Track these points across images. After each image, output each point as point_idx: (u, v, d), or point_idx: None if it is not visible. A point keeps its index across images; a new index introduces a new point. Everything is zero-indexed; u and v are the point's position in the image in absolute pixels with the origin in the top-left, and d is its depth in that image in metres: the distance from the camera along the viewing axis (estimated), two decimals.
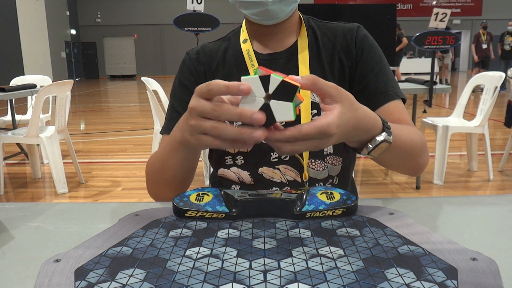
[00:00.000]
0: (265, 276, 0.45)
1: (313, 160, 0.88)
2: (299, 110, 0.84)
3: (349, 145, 0.67)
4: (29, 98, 3.96)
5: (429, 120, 3.39)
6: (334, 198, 0.64)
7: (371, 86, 0.86)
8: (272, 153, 0.88)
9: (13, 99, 3.62)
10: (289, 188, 0.88)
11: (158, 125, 3.27)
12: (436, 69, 10.62)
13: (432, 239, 0.54)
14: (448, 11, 3.40)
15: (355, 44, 0.89)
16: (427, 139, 0.91)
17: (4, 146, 3.36)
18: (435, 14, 3.39)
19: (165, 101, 3.24)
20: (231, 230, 0.58)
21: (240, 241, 0.54)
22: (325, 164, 0.89)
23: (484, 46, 10.29)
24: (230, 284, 0.44)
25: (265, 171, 0.88)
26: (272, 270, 0.47)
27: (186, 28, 4.02)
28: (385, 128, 0.65)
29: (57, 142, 3.10)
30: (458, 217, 0.64)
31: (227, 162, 0.91)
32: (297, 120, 0.85)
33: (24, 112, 4.14)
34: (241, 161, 0.90)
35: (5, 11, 13.42)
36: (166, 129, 0.88)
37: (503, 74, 3.11)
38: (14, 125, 3.67)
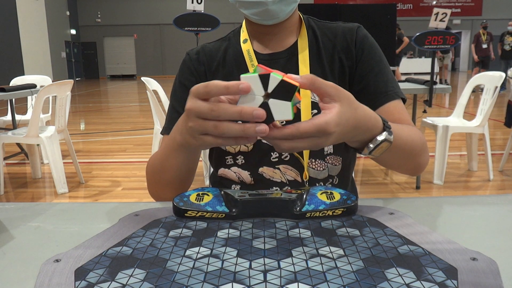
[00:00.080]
0: (265, 276, 0.45)
1: (313, 160, 0.88)
2: (297, 108, 0.84)
3: (350, 145, 0.67)
4: (29, 98, 3.96)
5: (429, 120, 3.39)
6: (334, 198, 0.64)
7: (371, 86, 0.86)
8: (272, 153, 0.88)
9: (13, 99, 3.62)
10: (289, 188, 0.88)
11: (158, 125, 3.26)
12: (436, 69, 10.63)
13: (432, 239, 0.54)
14: (448, 11, 3.40)
15: (355, 44, 0.89)
16: (427, 139, 0.91)
17: (4, 146, 3.36)
18: (435, 14, 3.39)
19: (165, 101, 3.24)
20: (231, 230, 0.58)
21: (240, 241, 0.54)
22: (325, 164, 0.89)
23: (484, 46, 10.28)
24: (230, 284, 0.44)
25: (266, 171, 0.88)
26: (272, 270, 0.47)
27: (186, 28, 4.02)
28: (386, 127, 0.65)
29: (57, 142, 3.10)
30: (458, 217, 0.64)
31: (228, 161, 0.91)
32: (297, 119, 0.85)
33: (24, 112, 4.14)
34: (242, 161, 0.90)
35: (5, 11, 13.42)
36: (167, 130, 0.88)
37: (503, 74, 3.11)
38: (14, 125, 3.67)
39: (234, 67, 0.91)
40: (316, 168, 0.88)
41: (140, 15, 21.41)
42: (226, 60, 0.93)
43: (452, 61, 15.18)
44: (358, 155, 0.81)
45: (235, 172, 0.91)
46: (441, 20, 3.39)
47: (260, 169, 0.89)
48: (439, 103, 8.64)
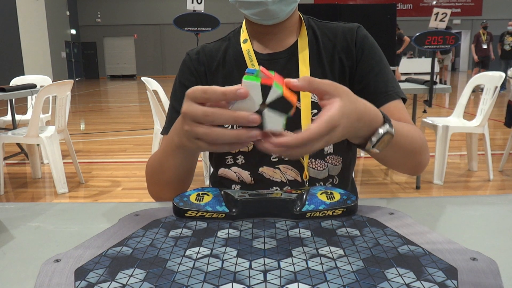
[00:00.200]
0: (265, 276, 0.45)
1: (313, 160, 0.88)
2: (297, 108, 0.85)
3: (353, 142, 0.67)
4: (29, 98, 3.96)
5: (429, 120, 3.39)
6: (334, 198, 0.64)
7: (371, 86, 0.86)
8: None
9: (13, 99, 3.62)
10: (289, 188, 0.88)
11: (158, 125, 3.26)
12: (436, 69, 10.63)
13: (432, 239, 0.54)
14: (448, 11, 3.40)
15: (355, 44, 0.89)
16: (427, 139, 0.91)
17: (4, 146, 3.36)
18: (435, 14, 3.39)
19: (165, 101, 3.24)
20: (231, 230, 0.58)
21: (240, 241, 0.54)
22: (325, 163, 0.89)
23: (484, 46, 10.29)
24: (230, 284, 0.44)
25: (266, 171, 0.88)
26: (272, 270, 0.47)
27: (186, 28, 4.02)
28: (386, 120, 0.65)
29: (57, 142, 3.10)
30: (458, 217, 0.64)
31: (228, 161, 0.91)
32: (297, 119, 0.85)
33: (24, 112, 4.14)
34: (242, 161, 0.90)
35: (5, 11, 13.42)
36: (167, 130, 0.88)
37: (503, 74, 3.11)
38: (14, 125, 3.67)
39: (234, 67, 0.91)
40: (316, 168, 0.88)
41: (140, 15, 21.41)
42: (226, 60, 0.93)
43: (452, 61, 15.17)
44: (358, 155, 0.81)
45: (235, 172, 0.91)
46: (441, 20, 3.39)
47: (260, 169, 0.89)
48: (439, 103, 8.64)
